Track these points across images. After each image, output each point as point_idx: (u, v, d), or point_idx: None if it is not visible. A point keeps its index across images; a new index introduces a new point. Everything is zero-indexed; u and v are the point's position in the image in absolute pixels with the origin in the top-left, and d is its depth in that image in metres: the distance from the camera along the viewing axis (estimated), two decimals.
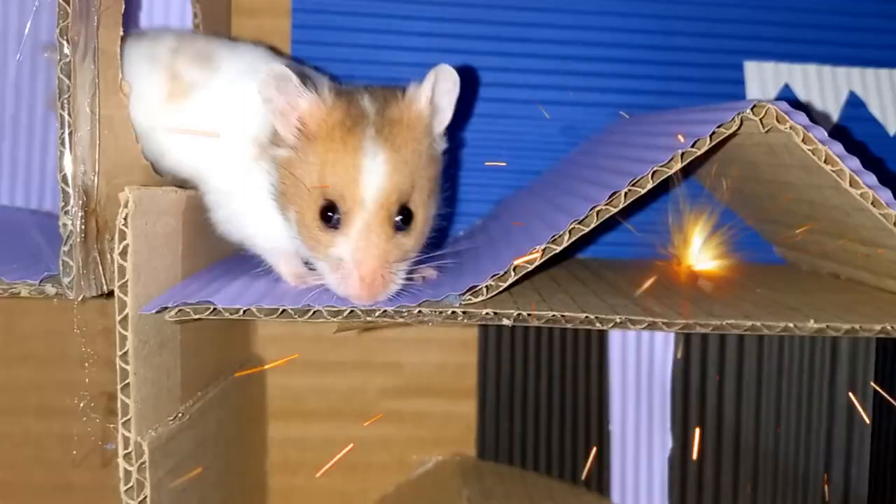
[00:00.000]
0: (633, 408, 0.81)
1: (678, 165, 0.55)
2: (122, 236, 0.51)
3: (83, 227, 0.52)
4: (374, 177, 0.56)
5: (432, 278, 0.64)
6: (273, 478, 0.87)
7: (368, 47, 0.83)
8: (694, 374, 0.78)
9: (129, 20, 0.59)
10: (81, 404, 0.58)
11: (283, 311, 0.54)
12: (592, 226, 0.56)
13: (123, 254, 0.51)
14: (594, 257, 0.85)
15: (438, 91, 0.61)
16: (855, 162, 0.58)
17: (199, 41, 0.68)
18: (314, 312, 0.54)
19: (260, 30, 0.84)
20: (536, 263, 0.56)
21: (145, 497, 0.53)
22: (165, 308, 0.53)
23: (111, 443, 0.54)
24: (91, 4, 0.51)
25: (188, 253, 0.62)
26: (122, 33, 0.55)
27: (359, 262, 0.56)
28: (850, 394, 0.68)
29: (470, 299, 0.56)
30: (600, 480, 0.83)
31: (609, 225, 0.84)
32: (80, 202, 0.51)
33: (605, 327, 0.55)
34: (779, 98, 0.77)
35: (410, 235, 0.59)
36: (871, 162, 0.59)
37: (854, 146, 0.59)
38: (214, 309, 0.53)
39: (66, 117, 0.50)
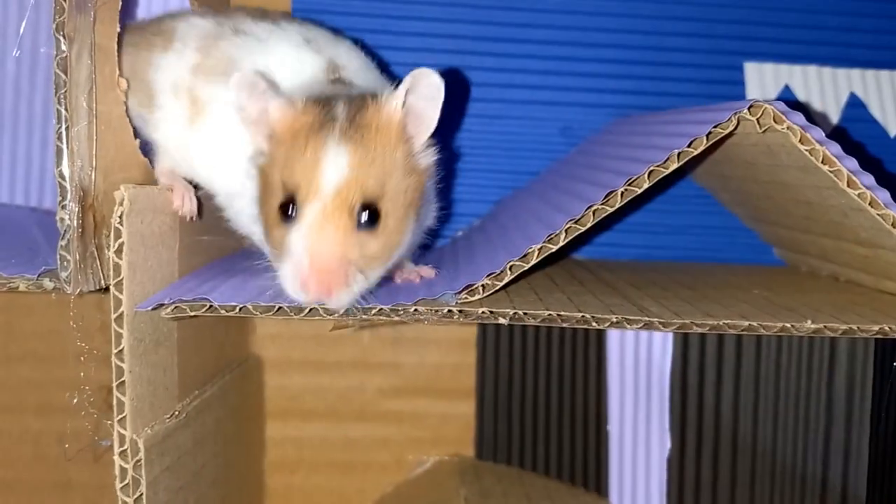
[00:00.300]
0: (632, 408, 0.81)
1: (675, 165, 0.55)
2: (118, 234, 0.51)
3: (80, 221, 0.52)
4: (334, 167, 0.54)
5: (430, 277, 0.64)
6: (271, 477, 0.87)
7: (368, 48, 0.83)
8: (692, 375, 0.78)
9: (127, 15, 0.59)
10: (75, 400, 0.58)
11: (280, 308, 0.54)
12: (589, 225, 0.56)
13: (119, 252, 0.51)
14: (591, 258, 0.85)
15: (418, 97, 0.58)
16: (853, 162, 0.57)
17: (224, 44, 0.65)
18: (310, 310, 0.54)
19: None
20: (532, 262, 0.56)
21: (141, 494, 0.53)
22: (161, 305, 0.53)
23: (107, 439, 0.54)
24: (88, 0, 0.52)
25: (185, 251, 0.62)
26: (118, 28, 0.56)
27: (309, 250, 0.53)
28: (848, 394, 0.68)
29: (466, 298, 0.56)
30: (598, 480, 0.83)
31: (606, 226, 0.85)
32: (78, 197, 0.51)
33: (601, 326, 0.55)
34: (779, 99, 0.77)
35: (377, 238, 0.55)
36: (869, 163, 0.59)
37: (852, 147, 0.59)
38: (211, 306, 0.53)
39: (64, 112, 0.50)
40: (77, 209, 0.51)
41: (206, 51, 0.64)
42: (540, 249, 0.55)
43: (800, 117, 0.57)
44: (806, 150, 0.57)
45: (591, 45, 0.85)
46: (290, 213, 0.54)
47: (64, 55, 0.49)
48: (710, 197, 0.87)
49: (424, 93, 0.58)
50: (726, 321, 0.56)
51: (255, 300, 0.54)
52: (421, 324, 0.84)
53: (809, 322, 0.56)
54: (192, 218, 0.62)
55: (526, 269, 0.56)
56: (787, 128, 0.56)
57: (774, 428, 0.72)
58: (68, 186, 0.51)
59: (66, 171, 0.51)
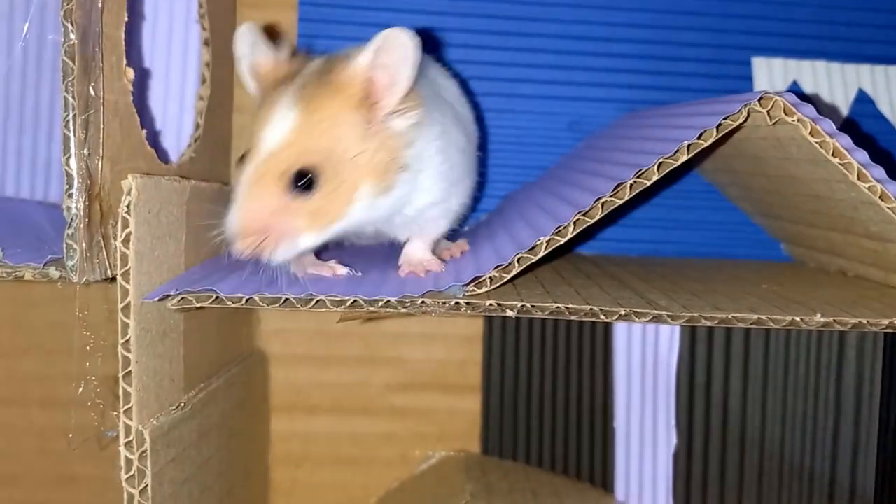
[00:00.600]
0: (638, 404, 0.81)
1: (684, 157, 0.55)
2: (125, 224, 0.51)
3: (87, 210, 0.52)
4: (276, 129, 0.55)
5: (465, 251, 0.65)
6: (276, 471, 0.87)
7: None
8: (699, 371, 0.77)
9: (134, 5, 0.59)
10: (81, 389, 0.58)
11: (286, 300, 0.54)
12: (597, 217, 0.55)
13: (126, 241, 0.51)
14: (599, 253, 0.85)
15: (389, 57, 0.56)
16: (863, 155, 0.57)
17: None
18: (317, 302, 0.54)
19: (266, 23, 0.83)
20: (540, 255, 0.55)
21: (146, 486, 0.53)
22: (168, 296, 0.53)
23: (113, 430, 0.54)
24: None
25: (192, 243, 0.62)
26: (126, 17, 0.55)
27: (236, 207, 0.55)
28: (857, 390, 0.67)
29: (473, 290, 0.55)
30: (605, 476, 0.83)
31: (614, 220, 0.85)
32: (84, 185, 0.51)
33: (609, 319, 0.55)
34: None
35: (311, 204, 0.55)
36: (879, 156, 0.59)
37: (862, 140, 0.58)
38: (217, 297, 0.53)
39: (71, 100, 0.50)
40: (84, 198, 0.51)
41: None
42: (548, 242, 0.55)
43: (810, 109, 0.56)
44: (816, 143, 0.56)
45: (598, 40, 0.85)
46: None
47: (72, 42, 0.49)
48: (719, 192, 0.87)
49: (396, 53, 0.56)
50: (735, 314, 0.55)
51: (262, 292, 0.54)
52: (427, 319, 0.85)
53: (819, 316, 0.55)
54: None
55: (534, 261, 0.55)
56: (798, 120, 0.56)
57: (782, 424, 0.72)
58: (75, 175, 0.51)
59: (72, 160, 0.51)
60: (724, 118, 0.55)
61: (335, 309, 0.54)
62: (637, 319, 0.55)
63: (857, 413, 0.67)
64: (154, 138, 0.71)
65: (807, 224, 0.74)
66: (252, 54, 0.61)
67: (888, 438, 0.66)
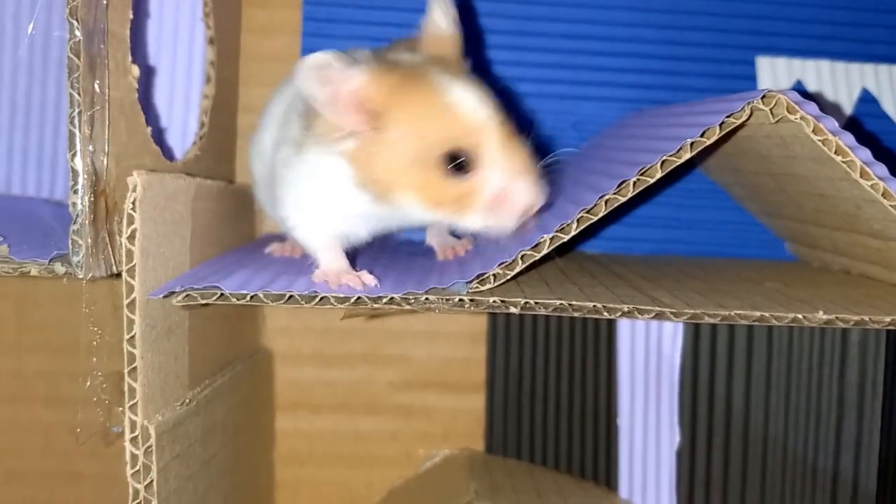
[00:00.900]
0: (642, 402, 0.81)
1: (687, 155, 0.55)
2: (131, 220, 0.51)
3: (92, 206, 0.52)
4: (476, 100, 0.56)
5: (469, 249, 0.68)
6: (280, 470, 0.87)
7: (379, 40, 0.82)
8: (703, 369, 0.77)
9: (139, 3, 0.59)
10: (88, 384, 0.58)
11: (291, 296, 0.54)
12: (601, 215, 0.56)
13: (131, 238, 0.51)
14: (603, 253, 0.85)
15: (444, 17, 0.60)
16: (866, 153, 0.57)
17: None
18: (321, 298, 0.54)
19: (271, 22, 0.84)
20: (544, 252, 0.55)
21: (151, 481, 0.53)
22: (173, 293, 0.53)
23: (119, 426, 0.54)
24: None
25: (198, 240, 0.63)
26: (131, 16, 0.56)
27: (515, 171, 0.55)
28: (860, 388, 0.67)
29: (477, 287, 0.56)
30: (608, 475, 0.83)
31: (618, 219, 0.85)
32: (90, 182, 0.51)
33: (612, 316, 0.55)
34: None
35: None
36: (883, 154, 0.59)
37: (865, 139, 0.59)
38: (222, 294, 0.53)
39: (77, 97, 0.50)
40: (89, 194, 0.52)
41: None
42: (552, 239, 0.55)
43: (813, 107, 0.56)
44: (819, 141, 0.56)
45: (602, 39, 0.85)
46: (462, 165, 0.55)
47: (77, 39, 0.49)
48: (723, 192, 0.87)
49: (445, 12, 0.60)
50: (738, 311, 0.55)
51: (266, 289, 0.54)
52: (431, 317, 0.86)
53: (821, 313, 0.56)
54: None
55: (537, 258, 0.56)
56: (801, 118, 0.56)
57: (785, 421, 0.72)
58: (80, 171, 0.51)
59: (78, 156, 0.51)
60: (727, 116, 0.55)
61: (339, 306, 0.54)
62: (640, 316, 0.55)
63: (859, 410, 0.67)
64: (159, 136, 0.71)
65: (811, 223, 0.74)
66: (337, 86, 0.55)
67: (891, 435, 0.66)
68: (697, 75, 0.86)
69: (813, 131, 0.56)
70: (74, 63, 0.50)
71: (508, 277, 0.56)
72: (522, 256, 0.55)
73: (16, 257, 0.53)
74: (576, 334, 0.84)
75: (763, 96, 0.55)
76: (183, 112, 0.79)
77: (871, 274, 0.70)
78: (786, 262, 0.83)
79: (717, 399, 0.77)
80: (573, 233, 0.55)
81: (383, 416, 0.87)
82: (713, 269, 0.75)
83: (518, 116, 0.59)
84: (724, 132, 0.56)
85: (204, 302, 0.54)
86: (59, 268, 0.53)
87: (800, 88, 0.86)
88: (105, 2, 0.52)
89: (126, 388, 0.52)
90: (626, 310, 0.55)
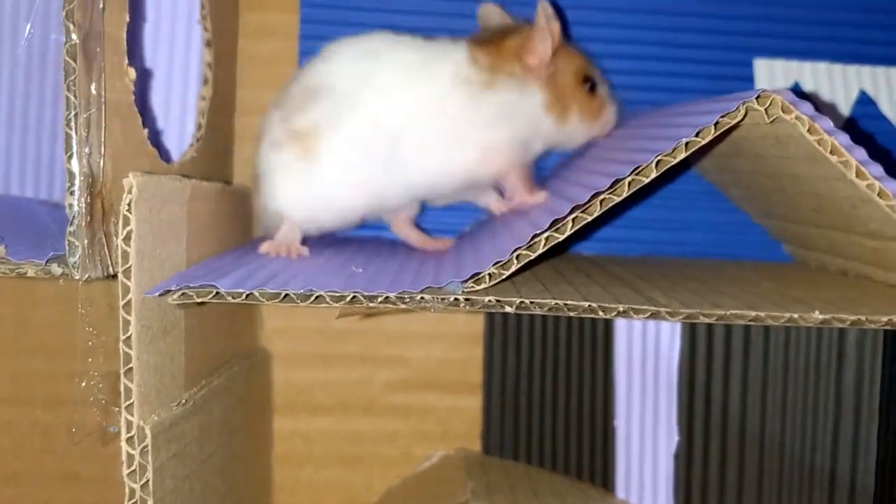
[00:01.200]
0: (639, 403, 0.81)
1: (682, 155, 0.55)
2: (126, 222, 0.51)
3: (89, 208, 0.52)
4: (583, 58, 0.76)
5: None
6: (278, 471, 0.88)
7: None
8: (700, 370, 0.78)
9: (136, 6, 0.59)
10: (84, 384, 0.58)
11: (286, 295, 0.54)
12: (596, 214, 0.56)
13: (127, 239, 0.52)
14: (599, 254, 0.85)
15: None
16: (861, 152, 0.57)
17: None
18: (317, 297, 0.54)
19: (268, 24, 0.84)
20: (539, 251, 0.56)
21: (147, 481, 0.53)
22: (169, 291, 0.53)
23: (115, 426, 0.54)
24: None
25: (193, 242, 0.63)
26: (127, 18, 0.56)
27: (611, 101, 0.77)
28: (857, 388, 0.67)
29: (472, 287, 0.56)
30: (605, 476, 0.83)
31: (614, 220, 0.85)
32: (86, 184, 0.52)
33: (607, 316, 0.55)
34: None
35: None
36: (879, 155, 0.59)
37: (861, 139, 0.59)
38: (217, 293, 0.54)
39: (73, 99, 0.50)
40: (85, 196, 0.52)
41: None
42: (547, 238, 0.55)
43: (808, 107, 0.56)
44: (814, 140, 0.57)
45: (599, 41, 0.85)
46: (594, 87, 0.75)
47: (74, 42, 0.50)
48: (719, 193, 0.87)
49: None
50: (734, 311, 0.55)
51: (262, 287, 0.54)
52: (428, 318, 0.86)
53: (817, 313, 0.56)
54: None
55: (532, 258, 0.56)
56: (796, 118, 0.56)
57: (783, 422, 0.72)
58: (77, 173, 0.51)
59: (74, 158, 0.51)
60: (722, 116, 0.55)
61: (334, 304, 0.54)
62: (635, 316, 0.55)
63: (857, 410, 0.67)
64: (156, 138, 0.72)
65: (807, 223, 0.74)
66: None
67: (888, 436, 0.66)
68: (695, 77, 0.86)
69: (808, 131, 0.57)
70: (71, 66, 0.50)
71: (504, 277, 0.56)
72: (517, 256, 0.55)
73: (13, 258, 0.53)
74: (573, 335, 0.84)
75: (758, 96, 0.55)
76: (180, 114, 0.79)
77: (869, 274, 0.70)
78: (783, 263, 0.84)
79: (714, 400, 0.77)
80: (568, 232, 0.56)
81: (381, 416, 0.87)
82: (709, 270, 0.75)
83: None
84: (719, 132, 0.56)
85: (200, 300, 0.54)
86: (56, 269, 0.53)
87: (797, 90, 0.86)
88: (101, 5, 0.52)
89: (122, 389, 0.53)
90: (621, 309, 0.55)
